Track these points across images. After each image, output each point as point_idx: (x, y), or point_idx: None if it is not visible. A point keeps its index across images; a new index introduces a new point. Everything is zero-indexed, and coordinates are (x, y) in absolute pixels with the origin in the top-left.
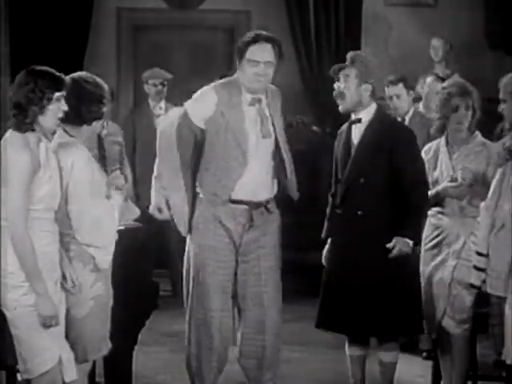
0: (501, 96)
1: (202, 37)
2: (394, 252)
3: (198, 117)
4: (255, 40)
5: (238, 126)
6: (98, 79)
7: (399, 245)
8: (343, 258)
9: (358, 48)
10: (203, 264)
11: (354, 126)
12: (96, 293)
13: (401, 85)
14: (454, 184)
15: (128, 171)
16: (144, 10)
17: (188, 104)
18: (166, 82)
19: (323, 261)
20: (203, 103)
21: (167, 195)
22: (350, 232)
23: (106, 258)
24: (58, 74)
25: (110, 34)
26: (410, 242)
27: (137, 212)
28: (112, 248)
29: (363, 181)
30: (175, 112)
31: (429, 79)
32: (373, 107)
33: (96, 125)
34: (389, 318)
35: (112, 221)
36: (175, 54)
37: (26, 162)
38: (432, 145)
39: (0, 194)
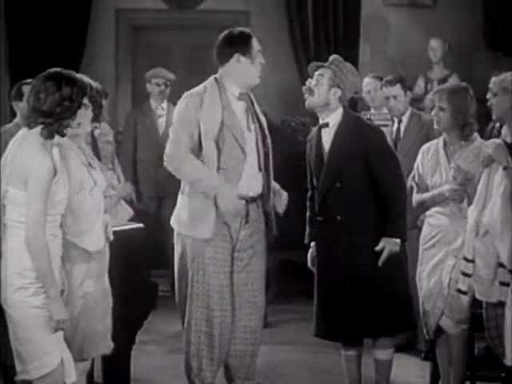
0: (493, 90)
1: (201, 37)
2: (385, 254)
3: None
4: (251, 35)
5: (232, 124)
6: (92, 81)
7: (388, 245)
8: (329, 265)
9: (357, 49)
10: (203, 264)
11: (323, 131)
12: (86, 290)
13: (398, 85)
14: (448, 187)
15: (119, 171)
16: (143, 10)
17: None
18: (168, 83)
19: (309, 264)
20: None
21: None
22: (332, 238)
23: (93, 240)
24: (81, 77)
25: (108, 34)
26: (398, 241)
27: (130, 212)
28: (97, 229)
29: (339, 186)
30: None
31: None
32: (340, 111)
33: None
34: (380, 317)
35: (92, 207)
36: (174, 55)
37: (47, 167)
38: (431, 145)
39: (0, 192)
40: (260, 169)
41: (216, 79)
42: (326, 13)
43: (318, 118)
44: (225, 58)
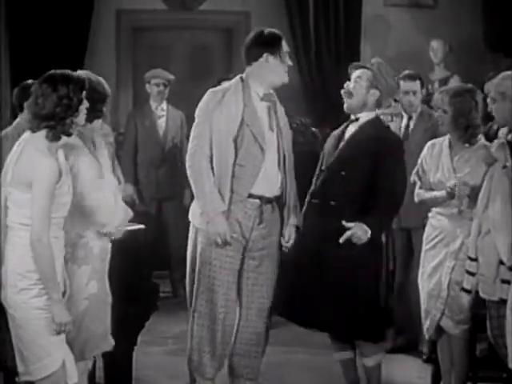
0: (491, 95)
1: (201, 38)
2: (348, 233)
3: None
4: (282, 36)
5: (252, 122)
6: (100, 78)
7: (355, 228)
8: (307, 246)
9: (358, 49)
10: (210, 258)
11: (351, 125)
12: (91, 291)
13: (418, 81)
14: (450, 192)
15: (119, 172)
16: (143, 11)
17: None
18: (167, 83)
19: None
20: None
21: None
22: (320, 221)
23: (117, 229)
24: (76, 74)
25: (109, 35)
26: (368, 232)
27: (129, 213)
28: (120, 218)
29: (343, 174)
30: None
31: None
32: (373, 113)
33: (97, 123)
34: (345, 314)
35: (114, 200)
36: (174, 55)
37: (52, 170)
38: (436, 142)
39: (1, 193)
40: (279, 170)
41: (242, 78)
42: (326, 13)
43: (318, 119)
44: (253, 58)
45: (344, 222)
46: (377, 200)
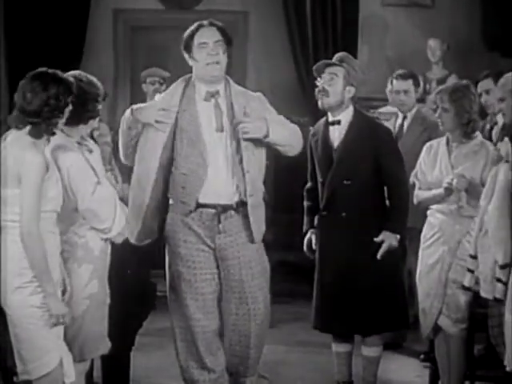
0: (499, 95)
1: None
2: (384, 247)
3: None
4: (198, 27)
5: (188, 126)
6: (92, 77)
7: (388, 239)
8: (330, 261)
9: (355, 49)
10: (177, 272)
11: (331, 128)
12: (91, 291)
13: (410, 81)
14: (448, 187)
15: (117, 172)
16: (141, 10)
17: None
18: (163, 81)
19: (304, 249)
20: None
21: None
22: (335, 234)
23: (118, 235)
24: (66, 76)
25: (106, 34)
26: (397, 236)
27: (126, 211)
28: (117, 221)
29: (347, 183)
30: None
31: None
32: (350, 109)
33: (92, 123)
34: (372, 315)
35: (111, 201)
36: (172, 55)
37: (40, 164)
38: (433, 143)
39: (0, 194)
40: (232, 174)
41: (187, 79)
42: (324, 12)
43: (316, 119)
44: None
45: (375, 239)
46: (389, 200)
